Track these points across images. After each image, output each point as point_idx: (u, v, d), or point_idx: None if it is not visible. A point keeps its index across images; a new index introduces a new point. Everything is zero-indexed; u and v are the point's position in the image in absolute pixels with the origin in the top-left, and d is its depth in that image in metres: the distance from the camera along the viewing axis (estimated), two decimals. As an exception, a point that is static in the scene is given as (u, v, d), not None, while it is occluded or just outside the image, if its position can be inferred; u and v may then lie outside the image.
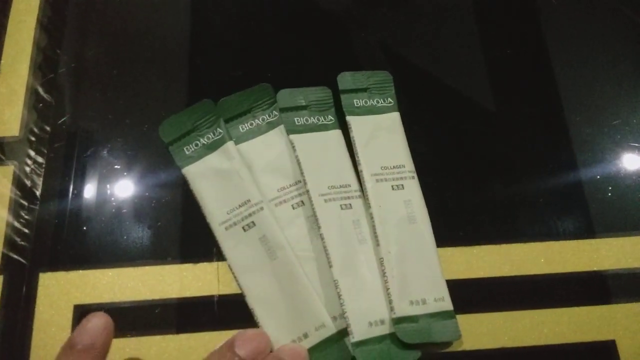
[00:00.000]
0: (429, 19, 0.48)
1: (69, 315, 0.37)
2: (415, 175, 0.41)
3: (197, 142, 0.40)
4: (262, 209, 0.38)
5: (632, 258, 0.40)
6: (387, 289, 0.37)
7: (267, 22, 0.47)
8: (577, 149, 0.43)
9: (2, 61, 0.45)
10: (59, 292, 0.38)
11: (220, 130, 0.41)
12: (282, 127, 0.42)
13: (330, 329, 0.36)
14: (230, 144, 0.40)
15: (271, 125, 0.42)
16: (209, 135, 0.41)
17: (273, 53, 0.46)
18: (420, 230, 0.39)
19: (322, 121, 0.42)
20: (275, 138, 0.41)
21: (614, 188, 0.42)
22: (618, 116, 0.45)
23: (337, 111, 0.43)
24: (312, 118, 0.42)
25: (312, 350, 0.35)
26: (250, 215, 0.38)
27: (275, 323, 0.36)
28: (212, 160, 0.40)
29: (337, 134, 0.42)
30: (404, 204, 0.39)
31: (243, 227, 0.38)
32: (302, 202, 0.39)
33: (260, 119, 0.42)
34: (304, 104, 0.42)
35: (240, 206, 0.38)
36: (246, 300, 0.37)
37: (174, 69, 0.45)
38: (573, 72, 0.46)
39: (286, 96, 0.42)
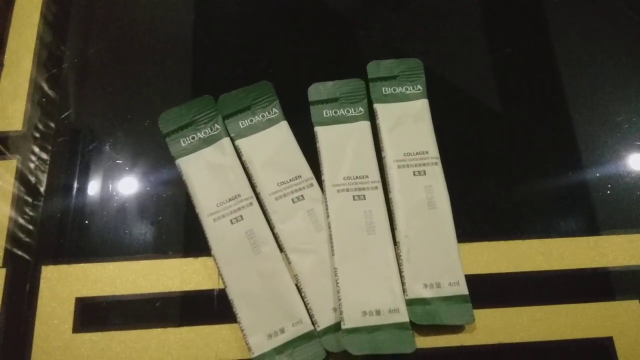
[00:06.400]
0: (436, 16, 0.48)
1: (70, 307, 0.38)
2: (438, 161, 0.41)
3: (194, 135, 0.41)
4: (251, 204, 0.39)
5: (631, 256, 0.40)
6: (401, 272, 0.38)
7: (269, 19, 0.48)
8: (585, 146, 0.44)
9: (5, 56, 0.46)
10: (61, 284, 0.39)
11: (218, 126, 0.41)
12: (281, 124, 0.42)
13: (307, 326, 0.36)
14: (226, 140, 0.41)
15: (271, 122, 0.42)
16: (206, 130, 0.41)
17: (275, 50, 0.46)
18: (439, 216, 0.39)
19: (352, 113, 0.42)
20: (275, 134, 0.42)
21: (617, 185, 0.42)
22: (622, 114, 0.45)
23: (370, 102, 0.43)
24: (341, 110, 0.42)
25: (287, 345, 0.36)
26: (239, 209, 0.39)
27: (253, 315, 0.36)
28: (207, 154, 0.41)
29: (364, 125, 0.42)
30: (424, 190, 0.40)
31: (231, 220, 0.38)
32: (302, 196, 0.40)
33: (260, 116, 0.42)
34: (334, 96, 0.43)
35: (230, 200, 0.39)
36: (227, 291, 0.37)
37: (176, 65, 0.45)
38: (578, 70, 0.46)
39: (316, 90, 0.43)
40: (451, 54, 0.47)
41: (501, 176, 0.42)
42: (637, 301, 0.39)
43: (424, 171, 0.40)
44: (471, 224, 0.41)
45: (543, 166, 0.43)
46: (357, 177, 0.40)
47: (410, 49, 0.47)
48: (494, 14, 0.48)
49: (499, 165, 0.43)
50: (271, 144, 0.41)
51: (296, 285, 0.38)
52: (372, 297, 0.37)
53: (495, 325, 0.38)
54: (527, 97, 0.45)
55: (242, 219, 0.39)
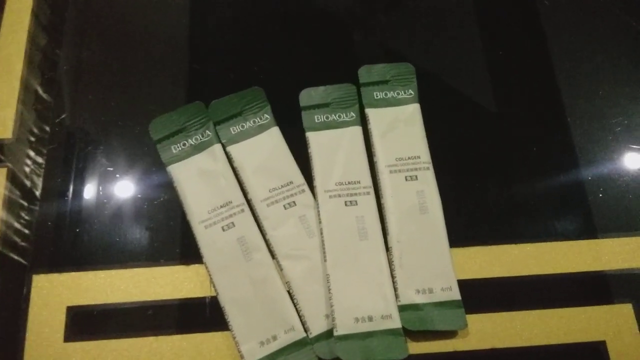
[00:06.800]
0: (429, 19, 0.48)
1: (61, 316, 0.38)
2: (430, 166, 0.41)
3: (185, 141, 0.41)
4: (242, 210, 0.39)
5: (624, 259, 0.40)
6: (394, 277, 0.38)
7: (260, 25, 0.47)
8: (578, 149, 0.44)
9: (-4, 63, 0.45)
10: (53, 293, 0.38)
11: (209, 133, 0.41)
12: (272, 130, 0.42)
13: (300, 333, 0.36)
14: (217, 147, 0.41)
15: (262, 128, 0.42)
16: (198, 137, 0.41)
17: (266, 56, 0.46)
18: (431, 220, 0.39)
19: (343, 118, 0.42)
20: (266, 140, 0.41)
21: (610, 189, 0.42)
22: (618, 116, 0.45)
23: (362, 107, 0.43)
24: (333, 115, 0.42)
25: (280, 352, 0.36)
26: (230, 216, 0.39)
27: (245, 323, 0.36)
28: (198, 160, 0.40)
29: (356, 130, 0.42)
30: (416, 195, 0.40)
31: (222, 227, 0.38)
32: (294, 202, 0.40)
33: (252, 122, 0.42)
34: (326, 101, 0.43)
35: (221, 207, 0.39)
36: (218, 298, 0.37)
37: (170, 71, 0.45)
38: (572, 73, 0.46)
39: (308, 95, 0.43)
40: (444, 55, 0.47)
41: (493, 180, 0.42)
42: (630, 305, 0.39)
43: (416, 176, 0.40)
44: (464, 228, 0.41)
45: (536, 170, 0.43)
46: (349, 183, 0.40)
47: (403, 51, 0.46)
48: (488, 15, 0.48)
49: (492, 169, 0.43)
50: (262, 150, 0.41)
51: (288, 292, 0.38)
52: (365, 303, 0.37)
53: (488, 330, 0.38)
54: (520, 100, 0.45)
55: (234, 226, 0.38)
